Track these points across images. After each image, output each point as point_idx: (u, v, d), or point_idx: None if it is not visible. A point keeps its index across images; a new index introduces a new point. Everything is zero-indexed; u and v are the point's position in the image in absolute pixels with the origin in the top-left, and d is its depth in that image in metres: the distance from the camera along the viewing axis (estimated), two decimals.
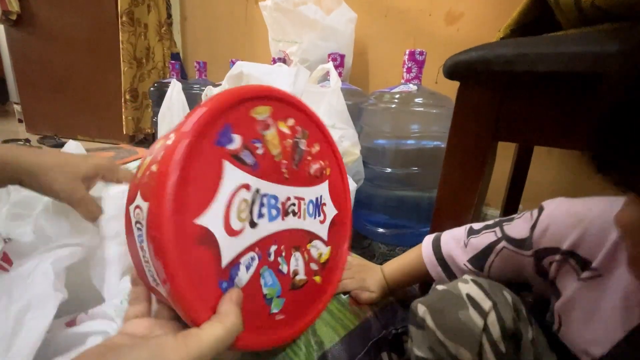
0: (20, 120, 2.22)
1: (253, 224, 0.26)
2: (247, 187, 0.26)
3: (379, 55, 1.20)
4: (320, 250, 0.33)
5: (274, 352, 0.38)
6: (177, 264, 0.20)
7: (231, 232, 0.24)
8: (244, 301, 0.23)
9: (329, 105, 0.86)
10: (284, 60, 1.15)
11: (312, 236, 0.32)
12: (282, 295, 0.28)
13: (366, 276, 0.47)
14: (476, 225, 0.41)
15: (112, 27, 1.68)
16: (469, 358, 0.30)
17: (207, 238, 0.23)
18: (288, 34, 1.16)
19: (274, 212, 0.28)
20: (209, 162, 0.23)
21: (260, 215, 0.27)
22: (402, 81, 0.87)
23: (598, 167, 0.22)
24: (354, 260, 0.52)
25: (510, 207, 0.88)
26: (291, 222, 0.30)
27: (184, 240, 0.21)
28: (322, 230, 0.34)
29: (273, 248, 0.28)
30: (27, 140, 1.78)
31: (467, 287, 0.33)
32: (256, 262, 0.26)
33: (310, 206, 0.32)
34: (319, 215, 0.33)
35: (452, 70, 0.44)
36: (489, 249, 0.38)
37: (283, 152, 0.30)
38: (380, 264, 0.50)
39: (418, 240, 0.93)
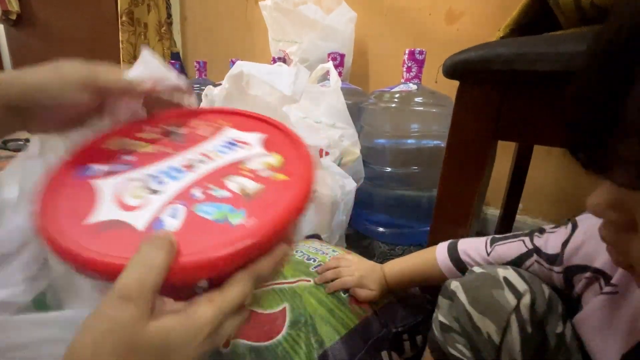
0: None
1: (155, 192, 0.28)
2: (131, 179, 0.29)
3: (378, 54, 1.20)
4: (264, 160, 0.33)
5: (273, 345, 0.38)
6: (86, 253, 0.22)
7: (131, 208, 0.26)
8: (190, 229, 0.24)
9: (329, 104, 0.86)
10: (284, 60, 1.15)
11: (241, 160, 0.33)
12: (238, 208, 0.28)
13: (365, 274, 0.48)
14: (498, 236, 0.41)
15: (112, 27, 1.68)
16: (494, 331, 0.31)
17: (107, 224, 0.25)
18: (288, 33, 1.16)
19: (174, 173, 0.30)
20: (77, 187, 0.28)
21: (161, 183, 0.29)
22: (402, 80, 0.87)
23: (582, 165, 0.22)
24: (353, 258, 0.52)
25: (510, 207, 0.88)
26: (203, 168, 0.31)
27: (82, 240, 0.23)
28: (254, 151, 0.35)
29: (196, 190, 0.29)
30: (27, 140, 1.78)
31: (505, 272, 0.33)
32: (182, 207, 0.27)
33: (221, 148, 0.34)
34: (239, 146, 0.35)
35: (452, 70, 0.44)
36: (519, 260, 0.37)
37: (156, 143, 0.33)
38: (381, 263, 0.50)
39: (418, 239, 0.93)
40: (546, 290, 0.32)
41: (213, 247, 0.23)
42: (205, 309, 0.22)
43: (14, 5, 1.73)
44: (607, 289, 0.30)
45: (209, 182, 0.30)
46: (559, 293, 0.35)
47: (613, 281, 0.29)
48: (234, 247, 0.24)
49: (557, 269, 0.34)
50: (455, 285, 0.35)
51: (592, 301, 0.31)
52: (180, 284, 0.24)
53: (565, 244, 0.34)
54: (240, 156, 0.34)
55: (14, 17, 1.77)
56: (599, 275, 0.31)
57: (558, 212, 0.94)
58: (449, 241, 0.44)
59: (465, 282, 0.35)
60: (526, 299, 0.31)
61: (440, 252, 0.43)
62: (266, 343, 0.40)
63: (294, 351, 0.39)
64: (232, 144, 0.35)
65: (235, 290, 0.24)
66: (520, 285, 0.32)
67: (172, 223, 0.26)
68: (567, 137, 0.24)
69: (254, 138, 0.37)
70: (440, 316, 0.36)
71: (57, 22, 1.79)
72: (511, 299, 0.31)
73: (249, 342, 0.40)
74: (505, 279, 0.32)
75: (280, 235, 0.28)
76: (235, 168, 0.33)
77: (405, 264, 0.47)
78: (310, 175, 0.33)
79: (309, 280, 0.47)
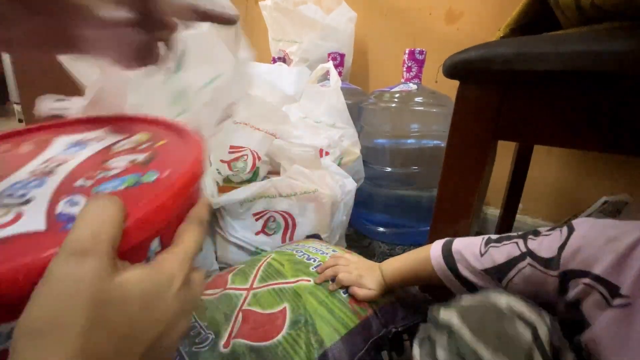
0: (20, 120, 2.22)
1: (24, 202, 0.25)
2: None
3: (379, 54, 1.20)
4: (131, 141, 0.33)
5: (274, 350, 0.38)
6: None
7: (6, 224, 0.22)
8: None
9: (329, 104, 0.86)
10: (284, 60, 1.15)
11: (105, 150, 0.32)
12: (145, 172, 0.27)
13: (364, 273, 0.47)
14: (494, 236, 0.40)
15: None
16: None
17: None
18: (288, 33, 1.16)
19: (34, 183, 0.27)
20: None
21: (23, 195, 0.26)
22: (402, 80, 0.87)
23: None
24: (352, 257, 0.52)
25: (510, 207, 0.88)
26: (66, 167, 0.29)
27: None
28: (110, 140, 0.34)
29: (80, 182, 0.27)
30: None
31: (506, 299, 0.31)
32: (79, 195, 0.25)
33: (69, 150, 0.32)
34: (88, 144, 0.33)
35: (452, 70, 0.44)
36: (510, 264, 0.36)
37: None
38: (380, 262, 0.50)
39: (418, 239, 0.93)
40: (546, 317, 0.31)
41: (152, 200, 0.22)
42: (170, 260, 0.21)
43: None
44: (617, 301, 0.28)
45: (87, 172, 0.28)
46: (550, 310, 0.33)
47: (623, 292, 0.27)
48: (172, 192, 0.23)
49: (552, 272, 0.33)
50: (449, 315, 0.32)
51: (601, 317, 0.29)
52: (134, 246, 0.21)
53: (562, 247, 0.33)
54: (100, 147, 0.32)
55: None
56: (601, 284, 0.29)
57: (558, 212, 0.94)
58: (445, 240, 0.43)
59: (462, 312, 0.32)
60: (543, 331, 0.29)
61: (434, 250, 0.43)
62: (266, 343, 0.40)
63: (294, 351, 0.39)
64: (78, 144, 0.32)
65: (188, 238, 0.23)
66: (529, 315, 0.30)
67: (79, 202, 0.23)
68: None
69: (94, 134, 0.34)
70: (439, 350, 0.32)
71: None
72: (526, 333, 0.29)
73: (249, 342, 0.40)
74: (510, 309, 0.31)
75: (199, 180, 0.27)
76: (105, 156, 0.30)
77: (402, 263, 0.47)
78: (184, 129, 0.32)
79: (309, 280, 0.47)
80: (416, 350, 0.35)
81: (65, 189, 0.26)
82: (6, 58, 1.87)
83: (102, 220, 0.18)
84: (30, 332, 0.15)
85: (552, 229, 0.36)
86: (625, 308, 0.27)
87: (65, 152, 0.31)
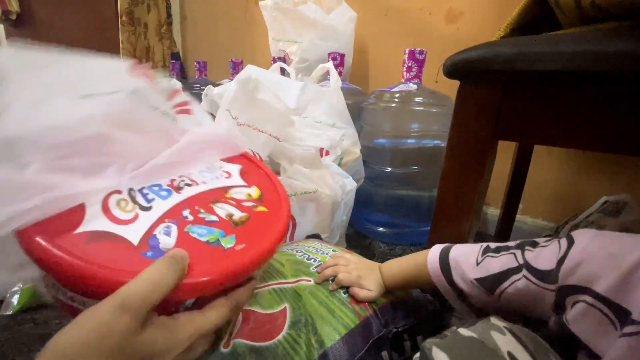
0: None
1: (145, 208, 0.29)
2: (117, 192, 0.29)
3: (379, 54, 1.20)
4: (244, 191, 0.37)
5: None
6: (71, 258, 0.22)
7: (122, 221, 0.27)
8: (185, 249, 0.26)
9: (329, 104, 0.86)
10: (284, 60, 1.15)
11: (224, 189, 0.37)
12: (228, 234, 0.31)
13: (364, 274, 0.47)
14: (493, 244, 0.38)
15: (112, 26, 1.68)
16: None
17: (97, 234, 0.25)
18: (288, 33, 1.16)
19: (163, 193, 0.32)
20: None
21: (150, 200, 0.30)
22: (402, 80, 0.87)
23: None
24: (352, 257, 0.52)
25: (510, 207, 0.88)
26: (189, 191, 0.33)
27: (75, 250, 0.23)
28: (235, 181, 0.38)
29: (186, 212, 0.31)
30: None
31: (505, 340, 0.28)
32: (174, 226, 0.29)
33: (204, 174, 0.37)
34: (221, 174, 0.38)
35: (452, 69, 0.44)
36: (505, 275, 0.35)
37: None
38: (381, 262, 0.50)
39: (418, 239, 0.93)
40: (553, 356, 0.29)
41: (209, 270, 0.25)
42: (187, 327, 0.24)
43: (14, 5, 1.73)
44: (630, 329, 0.25)
45: (197, 205, 0.32)
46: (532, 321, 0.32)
47: (636, 317, 0.25)
48: (228, 270, 0.26)
49: (550, 286, 0.31)
50: (441, 357, 0.29)
51: (613, 346, 0.26)
52: (173, 302, 0.25)
53: (561, 261, 0.31)
54: (223, 184, 0.36)
55: (14, 17, 1.77)
56: (605, 304, 0.27)
57: (558, 212, 0.94)
58: (444, 245, 0.42)
59: (454, 353, 0.29)
60: None
61: (432, 256, 0.42)
62: (266, 343, 0.40)
63: (294, 351, 0.39)
64: (214, 170, 0.37)
65: (215, 314, 0.26)
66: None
67: (167, 241, 0.26)
68: None
69: (232, 167, 0.39)
70: None
71: (57, 22, 1.79)
72: None
73: (249, 342, 0.40)
74: (511, 356, 0.27)
75: (263, 263, 0.30)
76: (220, 195, 0.35)
77: (401, 266, 0.47)
78: (287, 209, 0.38)
79: (310, 280, 0.47)
80: None
81: (174, 212, 0.30)
82: None
83: (157, 286, 0.22)
84: (59, 354, 0.19)
85: (551, 239, 0.34)
86: (637, 336, 0.25)
87: (199, 173, 0.36)
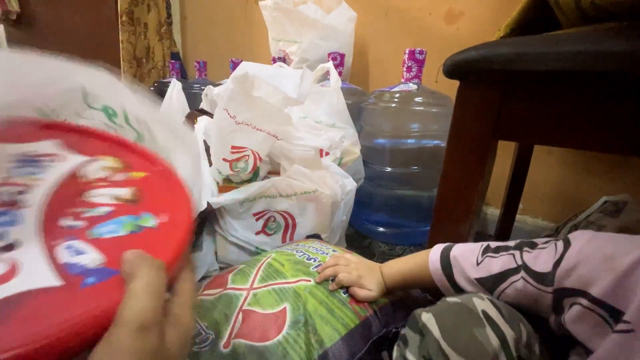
0: None
1: (9, 247, 0.21)
2: None
3: (379, 54, 1.20)
4: (97, 166, 0.30)
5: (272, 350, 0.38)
6: None
7: (5, 278, 0.19)
8: (122, 249, 0.22)
9: (329, 104, 0.86)
10: (284, 60, 1.15)
11: (72, 176, 0.29)
12: (138, 213, 0.26)
13: (364, 274, 0.47)
14: (493, 244, 0.39)
15: (112, 26, 1.68)
16: None
17: (12, 302, 0.18)
18: (288, 33, 1.16)
19: (6, 219, 0.23)
20: None
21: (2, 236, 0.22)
22: (402, 80, 0.87)
23: None
24: (352, 257, 0.52)
25: (510, 207, 0.88)
26: (34, 199, 0.25)
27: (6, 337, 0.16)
28: (72, 161, 0.30)
29: (66, 222, 0.24)
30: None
31: (483, 304, 0.32)
32: (76, 241, 0.23)
33: (21, 170, 0.28)
34: (44, 161, 0.29)
35: (452, 69, 0.44)
36: (504, 276, 0.35)
37: None
38: (381, 262, 0.50)
39: (418, 239, 0.93)
40: (524, 329, 0.31)
41: (170, 250, 0.22)
42: (185, 315, 0.23)
43: (13, 5, 1.73)
44: (620, 326, 0.27)
45: (67, 208, 0.25)
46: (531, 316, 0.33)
47: (627, 318, 0.26)
48: (182, 241, 0.23)
49: (547, 289, 0.32)
50: (426, 317, 0.33)
51: (604, 343, 0.28)
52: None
53: (557, 263, 0.31)
54: (63, 171, 0.28)
55: (14, 17, 1.77)
56: (600, 307, 0.28)
57: (558, 212, 0.94)
58: (445, 245, 0.43)
59: (438, 314, 0.32)
60: (510, 340, 0.29)
61: (433, 255, 0.42)
62: (266, 343, 0.40)
63: (294, 351, 0.39)
64: (28, 162, 0.28)
65: (188, 287, 0.24)
66: (501, 322, 0.30)
67: (91, 257, 0.21)
68: None
69: (41, 147, 0.29)
70: (409, 354, 0.33)
71: (57, 22, 1.79)
72: (494, 340, 0.29)
73: (249, 342, 0.40)
74: (485, 314, 0.31)
75: (195, 217, 0.27)
76: (77, 184, 0.27)
77: (402, 266, 0.47)
78: (160, 159, 0.31)
79: (309, 280, 0.47)
80: (395, 353, 0.35)
81: (53, 230, 0.23)
82: None
83: (156, 290, 0.20)
84: None
85: (549, 241, 0.35)
86: (627, 334, 0.26)
87: (18, 172, 0.26)
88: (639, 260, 0.27)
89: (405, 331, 0.35)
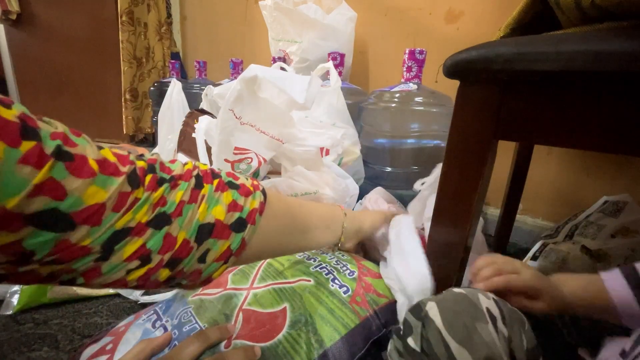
0: None
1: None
2: None
3: (379, 54, 1.20)
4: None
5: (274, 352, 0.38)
6: None
7: None
8: None
9: (329, 104, 0.86)
10: (284, 60, 1.15)
11: None
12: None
13: (538, 284, 0.39)
14: None
15: (112, 26, 1.68)
16: None
17: None
18: (288, 33, 1.16)
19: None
20: None
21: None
22: (402, 80, 0.87)
23: None
24: (498, 258, 0.44)
25: (510, 207, 0.88)
26: None
27: None
28: None
29: None
30: None
31: (488, 302, 0.32)
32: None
33: None
34: None
35: (452, 69, 0.44)
36: None
37: None
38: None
39: None
40: (524, 335, 0.31)
41: None
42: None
43: (14, 5, 1.73)
44: None
45: None
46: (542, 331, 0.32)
47: None
48: None
49: None
50: (430, 305, 0.32)
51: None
52: None
53: None
54: None
55: (14, 17, 1.77)
56: None
57: (558, 212, 0.94)
58: (622, 267, 0.37)
59: (441, 302, 0.32)
60: (508, 341, 0.30)
61: (611, 281, 0.36)
62: (266, 343, 0.40)
63: (295, 351, 0.39)
64: None
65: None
66: (501, 324, 0.31)
67: None
68: None
69: None
70: (410, 341, 0.32)
71: (57, 22, 1.79)
72: (495, 337, 0.30)
73: (249, 342, 0.40)
74: (488, 311, 0.31)
75: None
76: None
77: (581, 282, 0.39)
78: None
79: (309, 280, 0.47)
80: (389, 346, 0.35)
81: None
82: (6, 58, 1.87)
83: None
84: None
85: None
86: None
87: None
88: None
89: (407, 316, 0.34)
